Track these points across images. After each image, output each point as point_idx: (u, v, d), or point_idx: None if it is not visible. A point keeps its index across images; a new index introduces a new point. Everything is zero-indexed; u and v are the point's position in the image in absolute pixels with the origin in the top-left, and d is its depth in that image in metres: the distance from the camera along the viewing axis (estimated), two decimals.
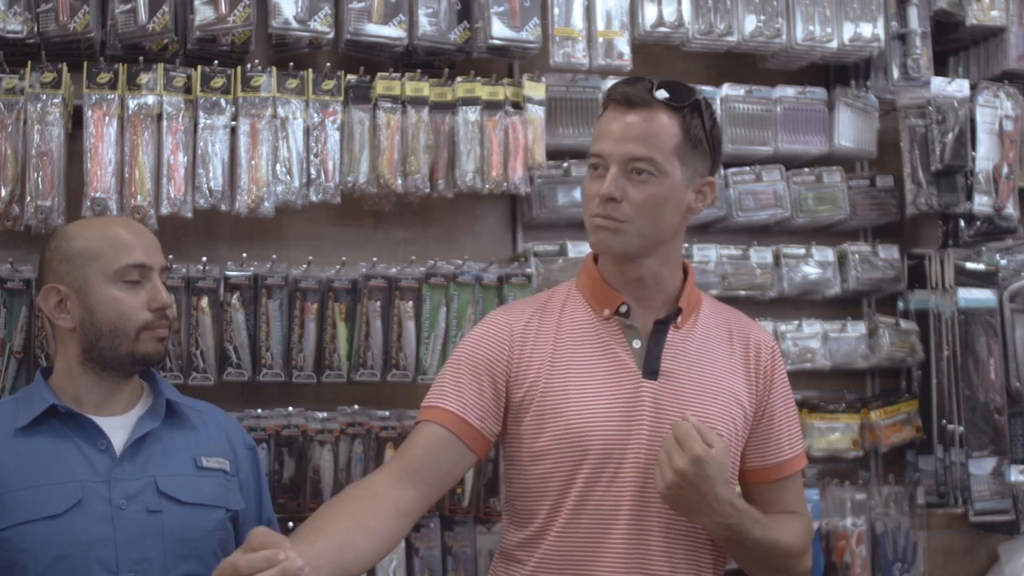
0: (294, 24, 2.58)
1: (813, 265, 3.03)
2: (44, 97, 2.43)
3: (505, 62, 2.86)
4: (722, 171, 2.97)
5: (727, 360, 1.89)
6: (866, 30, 3.04)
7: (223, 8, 2.51)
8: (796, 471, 1.93)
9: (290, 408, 2.61)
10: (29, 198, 2.39)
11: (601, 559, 1.78)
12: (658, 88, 1.80)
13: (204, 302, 2.51)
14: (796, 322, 3.01)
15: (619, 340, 1.85)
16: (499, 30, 2.71)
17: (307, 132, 2.59)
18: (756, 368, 1.90)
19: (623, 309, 1.85)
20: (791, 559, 1.83)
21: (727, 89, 3.01)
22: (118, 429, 1.87)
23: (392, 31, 2.65)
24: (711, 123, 1.84)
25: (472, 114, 2.68)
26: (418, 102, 2.66)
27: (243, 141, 2.53)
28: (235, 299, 2.53)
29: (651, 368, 1.82)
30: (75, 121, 2.51)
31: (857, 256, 3.07)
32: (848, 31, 3.03)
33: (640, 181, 1.77)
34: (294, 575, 1.43)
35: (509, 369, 1.85)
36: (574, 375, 1.83)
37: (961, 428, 3.02)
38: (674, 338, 1.86)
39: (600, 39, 2.83)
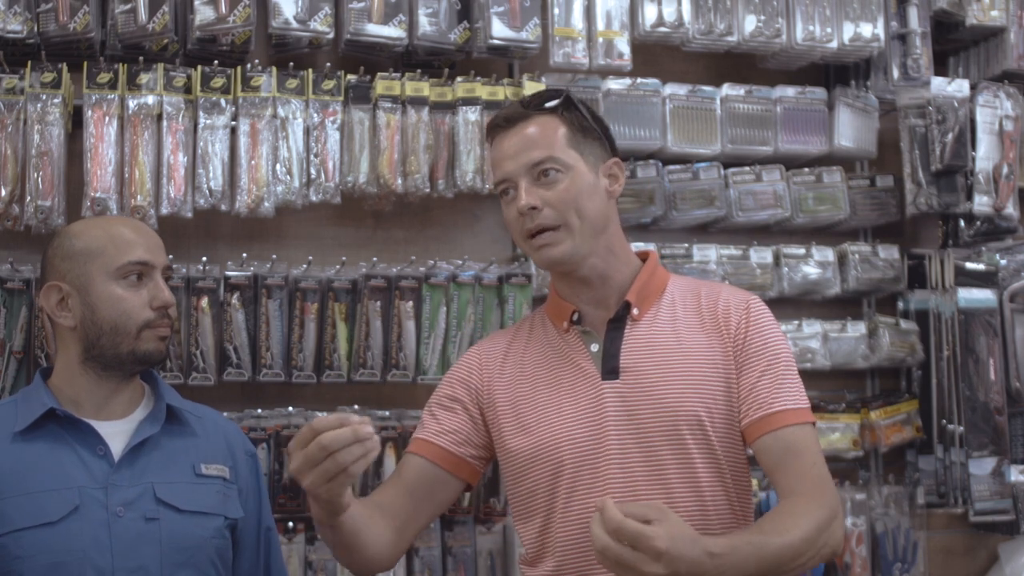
0: (294, 24, 2.58)
1: (813, 265, 3.03)
2: (44, 97, 2.43)
3: (505, 62, 2.85)
4: (722, 171, 2.98)
5: (699, 334, 1.84)
6: (866, 30, 3.04)
7: (223, 8, 2.51)
8: (787, 425, 1.76)
9: (290, 408, 2.61)
10: (29, 198, 2.39)
11: (592, 565, 1.72)
12: (528, 101, 1.89)
13: (204, 302, 2.51)
14: (796, 322, 3.00)
15: (578, 348, 1.86)
16: (499, 30, 2.71)
17: (307, 132, 2.59)
18: (726, 327, 1.84)
19: (575, 318, 1.87)
20: (809, 550, 1.64)
21: (727, 89, 3.01)
22: (117, 434, 1.85)
23: (392, 31, 2.65)
24: (590, 113, 1.90)
25: (472, 114, 2.68)
26: (418, 102, 2.66)
27: (243, 141, 2.53)
28: (235, 299, 2.53)
29: (609, 368, 1.82)
30: (75, 121, 2.51)
31: (857, 256, 3.07)
32: (848, 31, 3.03)
33: (550, 182, 1.81)
34: (366, 437, 1.50)
35: (480, 396, 1.91)
36: (539, 393, 1.86)
37: (961, 428, 3.02)
38: (634, 332, 1.84)
39: (600, 39, 2.83)
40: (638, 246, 2.85)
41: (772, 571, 1.61)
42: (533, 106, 1.87)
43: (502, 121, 1.88)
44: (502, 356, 1.93)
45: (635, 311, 1.85)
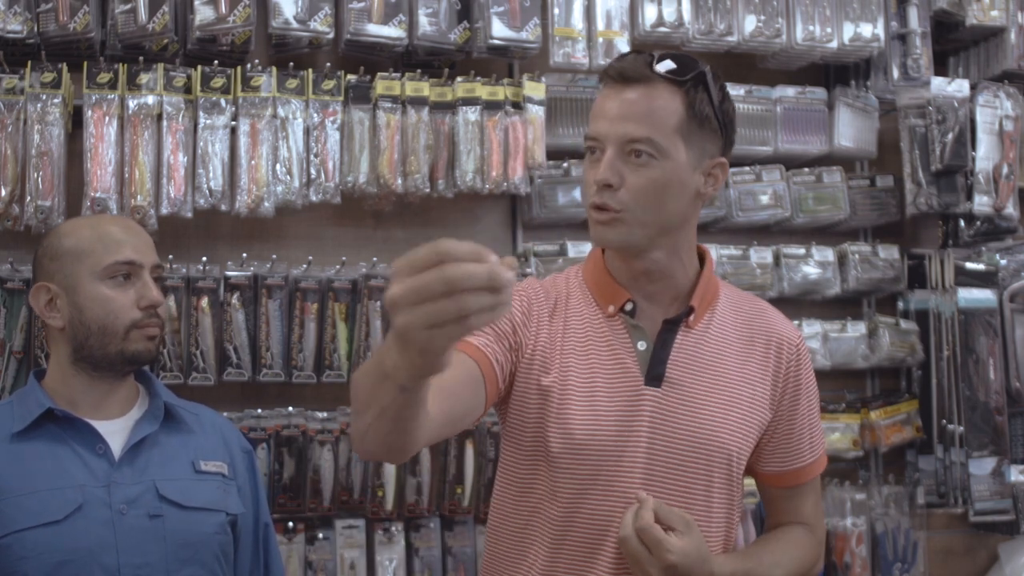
0: (294, 24, 2.58)
1: (813, 265, 3.03)
2: (44, 97, 2.43)
3: (505, 62, 2.86)
4: None
5: (744, 362, 1.73)
6: (866, 30, 3.04)
7: (223, 8, 2.51)
8: (816, 476, 1.83)
9: (290, 408, 2.61)
10: (29, 198, 2.39)
11: (599, 568, 1.67)
12: (658, 61, 1.64)
13: (204, 302, 2.51)
14: (796, 322, 2.99)
15: (623, 341, 1.70)
16: (499, 30, 2.71)
17: (307, 132, 2.59)
18: (776, 367, 1.75)
19: (628, 307, 1.70)
20: None
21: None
22: (115, 433, 1.85)
23: (392, 31, 2.65)
24: (720, 97, 1.66)
25: (472, 114, 2.68)
26: (418, 102, 2.66)
27: (243, 141, 2.53)
28: (235, 299, 2.53)
29: (655, 374, 1.68)
30: (75, 121, 2.51)
31: (857, 256, 3.07)
32: (848, 31, 3.03)
33: (639, 164, 1.61)
34: (502, 285, 1.03)
35: (523, 345, 1.70)
36: (574, 378, 1.69)
37: (961, 428, 3.02)
38: (685, 340, 1.70)
39: (600, 39, 2.83)
40: None
41: None
42: (663, 71, 1.62)
43: (617, 75, 1.64)
44: (548, 317, 1.72)
45: (691, 317, 1.71)
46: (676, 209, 1.65)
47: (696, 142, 1.64)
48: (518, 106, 2.73)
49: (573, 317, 1.73)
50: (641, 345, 1.70)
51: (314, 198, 2.57)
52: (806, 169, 3.10)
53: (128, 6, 2.47)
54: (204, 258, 2.57)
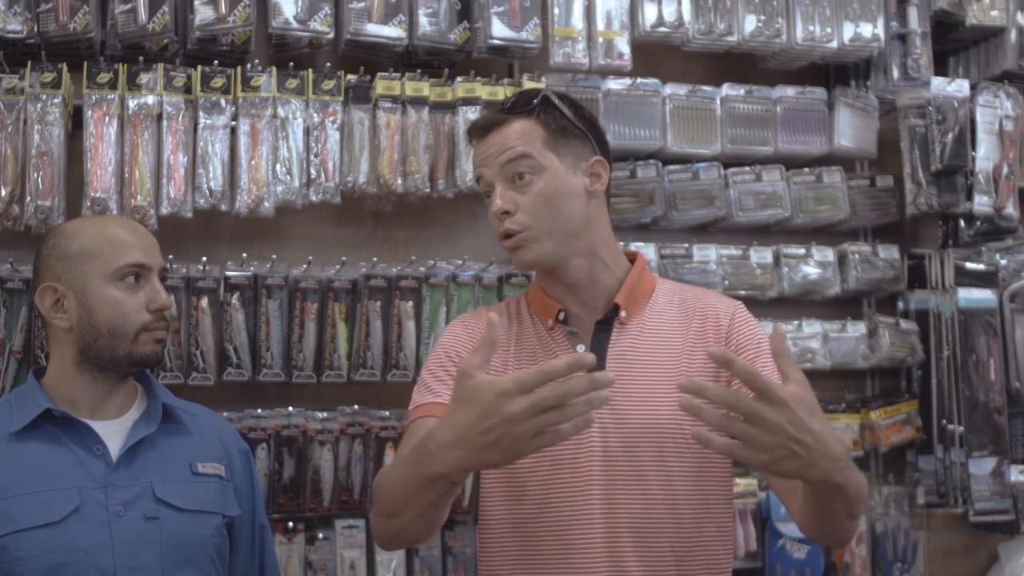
0: (294, 24, 2.58)
1: (813, 265, 3.03)
2: (44, 97, 2.43)
3: (505, 62, 2.86)
4: (722, 171, 2.98)
5: (683, 341, 1.84)
6: (866, 30, 3.04)
7: (223, 8, 2.51)
8: None
9: (290, 408, 2.61)
10: (29, 198, 2.39)
11: (572, 565, 1.75)
12: (505, 106, 1.88)
13: (204, 302, 2.51)
14: (796, 322, 3.00)
15: (564, 348, 1.85)
16: (499, 30, 2.71)
17: (307, 132, 2.59)
18: (715, 334, 1.85)
19: (561, 317, 1.87)
20: (861, 506, 1.67)
21: (727, 89, 3.01)
22: (113, 434, 1.84)
23: (392, 31, 2.65)
24: (573, 109, 1.87)
25: (472, 114, 2.68)
26: (418, 102, 2.66)
27: (243, 141, 2.53)
28: (235, 299, 2.53)
29: (596, 369, 1.77)
30: (75, 121, 2.51)
31: (857, 256, 3.07)
32: (848, 31, 3.03)
33: (524, 185, 1.81)
34: (603, 384, 1.44)
35: None
36: None
37: (961, 428, 3.02)
38: (620, 335, 1.84)
39: (600, 39, 2.83)
40: (638, 246, 2.87)
41: (850, 495, 1.60)
42: (510, 110, 1.87)
43: (482, 126, 1.88)
44: (502, 342, 1.87)
45: (623, 314, 1.85)
46: (573, 211, 1.82)
47: (566, 151, 1.84)
48: None
49: (518, 339, 1.90)
50: (580, 348, 1.84)
51: (314, 198, 2.57)
52: (806, 169, 3.10)
53: (128, 6, 2.47)
54: (204, 258, 2.57)
